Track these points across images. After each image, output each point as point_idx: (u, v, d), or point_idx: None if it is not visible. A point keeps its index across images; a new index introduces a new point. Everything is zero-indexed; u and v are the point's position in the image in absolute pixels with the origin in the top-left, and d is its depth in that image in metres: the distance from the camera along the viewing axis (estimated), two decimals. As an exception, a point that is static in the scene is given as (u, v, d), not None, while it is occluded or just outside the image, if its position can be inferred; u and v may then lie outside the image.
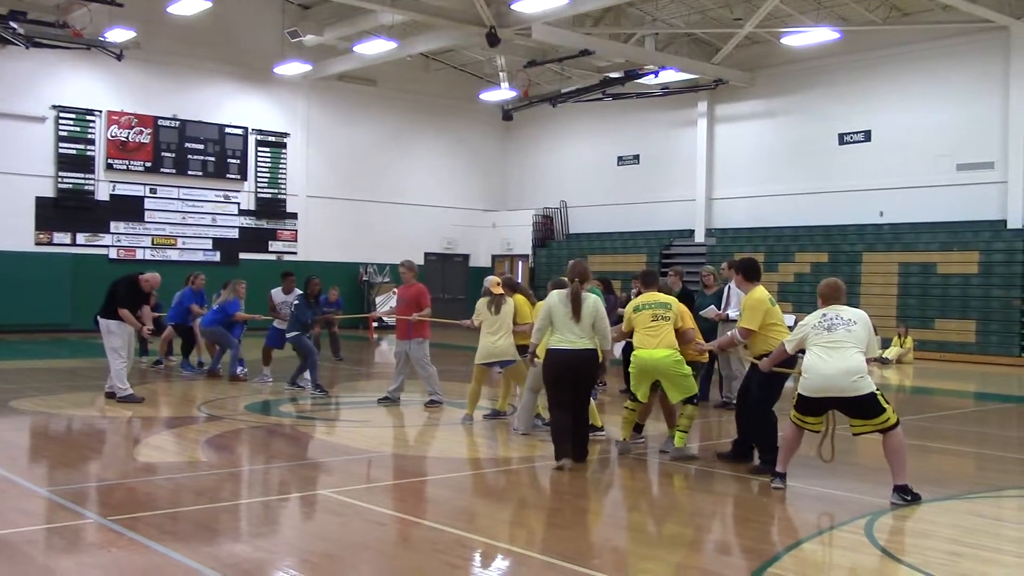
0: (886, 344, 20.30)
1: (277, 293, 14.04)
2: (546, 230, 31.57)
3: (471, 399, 10.78)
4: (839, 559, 5.92)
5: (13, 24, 21.06)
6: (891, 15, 23.14)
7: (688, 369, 8.59)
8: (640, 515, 7.10)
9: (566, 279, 8.59)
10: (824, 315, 7.24)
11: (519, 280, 19.27)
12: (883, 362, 19.41)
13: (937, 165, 22.86)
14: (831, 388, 6.97)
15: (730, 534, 6.45)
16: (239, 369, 14.22)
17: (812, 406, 7.14)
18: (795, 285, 24.48)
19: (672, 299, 8.97)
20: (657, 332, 8.51)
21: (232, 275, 16.82)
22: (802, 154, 25.51)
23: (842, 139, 24.71)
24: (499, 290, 10.78)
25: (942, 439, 10.60)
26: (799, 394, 7.16)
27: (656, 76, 25.41)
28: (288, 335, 13.13)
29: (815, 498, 7.22)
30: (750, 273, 8.52)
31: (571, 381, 8.19)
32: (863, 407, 6.99)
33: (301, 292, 13.40)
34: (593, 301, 8.30)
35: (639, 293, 13.73)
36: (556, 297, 8.35)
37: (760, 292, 8.32)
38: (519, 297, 11.03)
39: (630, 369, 8.81)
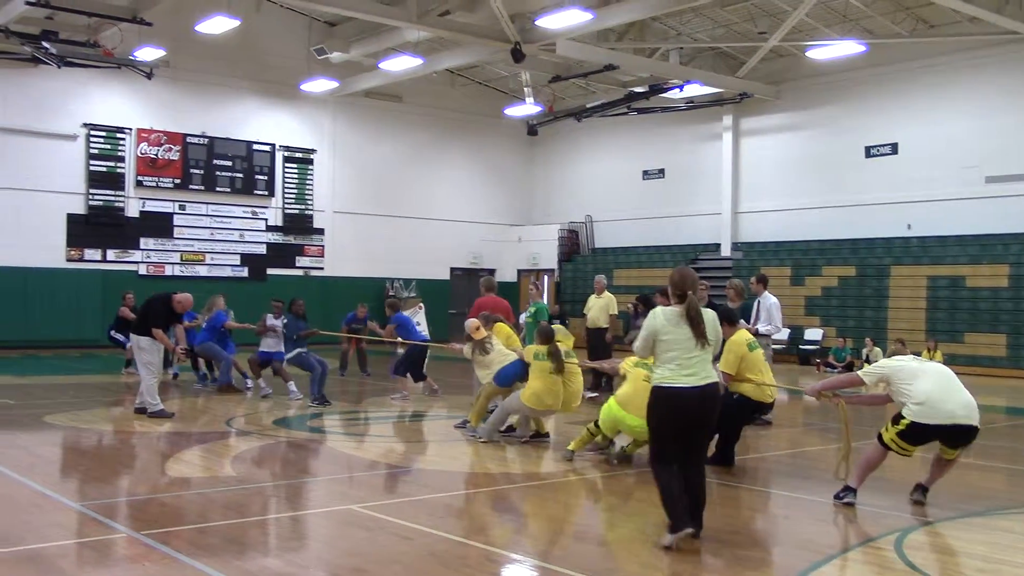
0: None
1: (268, 317, 14.69)
2: (572, 244, 31.59)
3: (476, 412, 10.68)
4: None
5: (45, 44, 21.38)
6: (917, 27, 23.02)
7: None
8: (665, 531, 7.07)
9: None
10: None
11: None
12: None
13: (965, 177, 22.67)
14: (958, 417, 7.05)
15: (759, 550, 6.42)
16: (246, 382, 14.67)
17: (925, 434, 7.10)
18: (822, 299, 24.36)
19: None
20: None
21: (263, 291, 17.01)
22: (828, 167, 25.38)
23: (868, 152, 24.58)
24: (480, 334, 10.55)
25: (972, 454, 10.44)
26: (913, 422, 7.04)
27: (681, 90, 25.38)
28: (288, 357, 13.85)
29: (844, 513, 7.19)
30: (732, 318, 8.83)
31: (693, 428, 6.29)
32: (971, 436, 7.16)
33: (286, 319, 14.20)
34: (713, 317, 6.44)
35: (640, 313, 13.84)
36: (663, 317, 6.29)
37: (739, 336, 8.64)
38: (500, 326, 10.98)
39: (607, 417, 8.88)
